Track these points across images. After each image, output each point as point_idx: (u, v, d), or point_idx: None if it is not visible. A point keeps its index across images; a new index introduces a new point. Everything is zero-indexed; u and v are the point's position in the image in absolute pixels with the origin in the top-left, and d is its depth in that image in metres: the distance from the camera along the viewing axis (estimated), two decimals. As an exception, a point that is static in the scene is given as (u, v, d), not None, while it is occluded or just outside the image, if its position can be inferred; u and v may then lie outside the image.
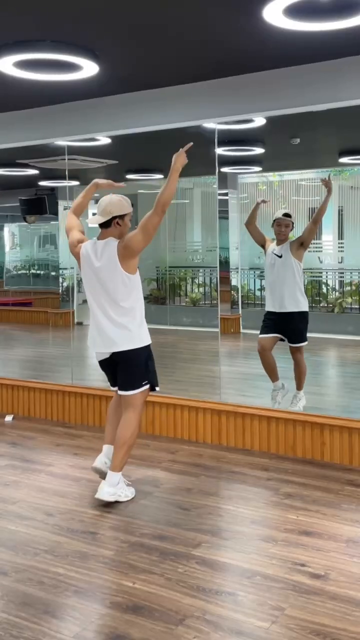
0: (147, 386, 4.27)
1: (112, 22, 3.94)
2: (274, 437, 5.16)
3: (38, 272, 11.00)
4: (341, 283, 9.15)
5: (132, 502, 4.21)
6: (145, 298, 4.48)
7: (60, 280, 9.77)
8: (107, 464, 4.28)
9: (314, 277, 8.89)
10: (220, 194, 6.33)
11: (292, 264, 5.70)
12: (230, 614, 2.92)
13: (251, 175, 8.54)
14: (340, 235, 9.35)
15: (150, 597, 3.06)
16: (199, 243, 10.17)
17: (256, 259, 7.57)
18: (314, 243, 9.04)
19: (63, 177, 6.49)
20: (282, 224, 5.74)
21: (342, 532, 3.74)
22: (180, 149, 4.11)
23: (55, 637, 2.77)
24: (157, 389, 4.36)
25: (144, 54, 4.61)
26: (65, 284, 9.49)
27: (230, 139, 5.86)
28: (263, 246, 5.94)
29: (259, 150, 6.71)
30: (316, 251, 8.93)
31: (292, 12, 3.71)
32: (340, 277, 9.18)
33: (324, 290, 9.09)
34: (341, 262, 9.22)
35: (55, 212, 9.03)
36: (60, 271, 9.77)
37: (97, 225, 4.28)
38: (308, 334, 5.80)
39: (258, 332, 5.89)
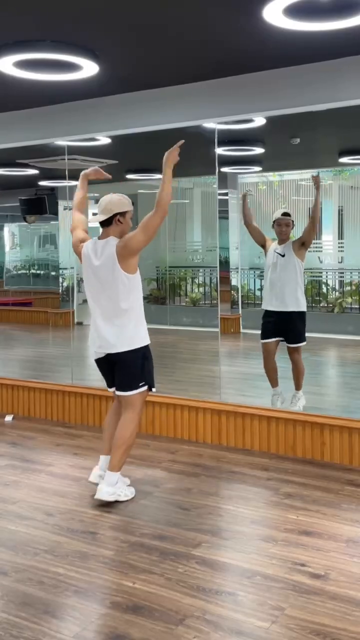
0: (145, 387, 4.26)
1: (112, 22, 3.94)
2: (274, 437, 5.16)
3: (38, 272, 11.00)
4: (341, 283, 9.15)
5: (132, 502, 4.21)
6: (145, 298, 4.48)
7: (60, 280, 9.77)
8: (102, 477, 4.27)
9: (314, 277, 8.89)
10: (220, 194, 6.32)
11: (295, 263, 5.70)
12: (230, 614, 2.92)
13: (251, 175, 8.54)
14: (340, 235, 9.35)
15: (150, 597, 3.06)
16: (199, 243, 10.17)
17: (256, 258, 7.56)
18: (314, 243, 9.04)
19: (63, 177, 6.49)
20: (282, 224, 5.75)
21: (342, 532, 3.74)
22: (170, 149, 4.11)
23: (55, 637, 2.77)
24: (153, 390, 4.35)
25: (144, 54, 4.61)
26: (65, 284, 9.49)
27: (230, 139, 5.86)
28: (263, 246, 5.93)
29: (259, 150, 6.71)
30: (316, 251, 8.93)
31: (292, 12, 3.71)
32: (340, 277, 9.18)
33: (324, 290, 9.09)
34: (341, 262, 9.22)
35: (55, 212, 9.03)
36: (60, 271, 9.77)
37: (98, 225, 4.29)
38: (308, 334, 5.81)
39: (258, 331, 5.89)
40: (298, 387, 5.72)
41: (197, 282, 10.17)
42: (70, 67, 4.62)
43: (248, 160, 7.18)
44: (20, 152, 6.83)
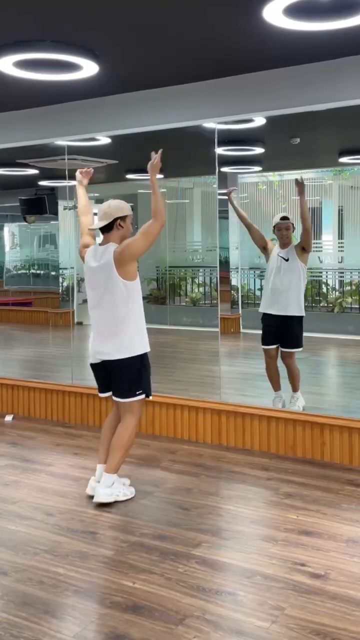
0: (142, 395, 4.26)
1: (112, 22, 3.94)
2: (274, 437, 5.16)
3: (38, 272, 11.00)
4: (341, 283, 9.15)
5: (132, 502, 4.21)
6: (145, 298, 4.49)
7: (60, 280, 9.76)
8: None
9: (314, 277, 8.89)
10: (220, 194, 6.32)
11: (299, 267, 5.69)
12: (230, 613, 2.92)
13: (251, 175, 8.54)
14: (340, 235, 9.35)
15: (150, 597, 3.06)
16: (199, 243, 10.16)
17: (256, 258, 7.55)
18: (314, 243, 9.04)
19: (63, 177, 6.49)
20: (282, 228, 5.74)
21: (342, 532, 3.74)
22: (151, 160, 4.13)
23: (55, 637, 2.77)
24: (149, 397, 4.34)
25: (144, 54, 4.61)
26: (65, 284, 9.49)
27: (230, 138, 5.86)
28: (264, 248, 5.90)
29: (259, 150, 6.71)
30: (316, 251, 8.93)
31: (292, 12, 3.71)
32: (340, 276, 9.18)
33: (324, 290, 9.09)
34: (341, 262, 9.22)
35: (55, 212, 9.02)
36: (60, 271, 9.77)
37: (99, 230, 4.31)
38: (308, 334, 5.80)
39: (258, 331, 5.88)
40: (295, 389, 5.72)
41: (197, 282, 10.17)
42: (70, 67, 4.62)
43: (248, 160, 7.18)
44: (20, 152, 6.83)
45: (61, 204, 8.80)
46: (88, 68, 4.64)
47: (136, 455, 4.93)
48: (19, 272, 11.13)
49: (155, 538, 3.68)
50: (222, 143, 5.56)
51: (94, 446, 5.23)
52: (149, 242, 4.10)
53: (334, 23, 3.91)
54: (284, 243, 5.75)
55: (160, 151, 4.17)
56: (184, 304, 9.90)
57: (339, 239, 9.33)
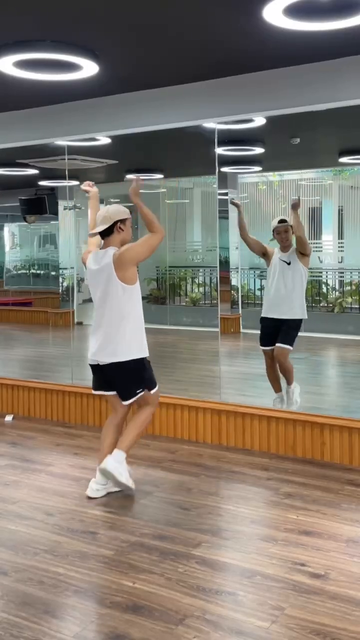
0: (142, 393, 4.33)
1: (112, 22, 3.94)
2: (274, 437, 5.16)
3: (38, 272, 11.01)
4: (341, 283, 9.15)
5: (132, 502, 4.21)
6: (145, 298, 4.52)
7: (60, 280, 9.77)
8: (100, 491, 4.28)
9: (314, 277, 8.90)
10: (220, 194, 6.32)
11: (301, 270, 5.68)
12: (230, 613, 2.92)
13: (251, 175, 8.54)
14: (340, 235, 9.36)
15: (150, 596, 3.06)
16: (199, 243, 10.17)
17: (256, 259, 7.55)
18: (314, 243, 9.05)
19: (63, 177, 6.49)
20: (281, 231, 5.72)
21: (342, 531, 3.74)
22: (132, 186, 4.21)
23: (55, 637, 2.77)
24: (157, 387, 4.42)
25: (144, 54, 4.61)
26: (65, 284, 9.50)
27: (230, 138, 5.86)
28: (264, 254, 5.88)
29: (259, 150, 6.71)
30: (316, 251, 8.93)
31: (292, 12, 3.71)
32: (340, 276, 9.18)
33: (324, 290, 9.10)
34: (341, 262, 9.22)
35: (55, 212, 9.03)
36: (60, 271, 9.78)
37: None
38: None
39: (258, 332, 5.88)
40: (289, 382, 5.70)
41: (197, 282, 10.17)
42: (70, 67, 4.62)
43: (248, 160, 7.19)
44: (20, 152, 6.83)
45: (61, 204, 8.80)
46: (88, 68, 4.64)
47: (136, 455, 4.93)
48: (19, 272, 11.14)
49: (155, 538, 3.68)
50: (222, 143, 5.56)
51: (94, 446, 5.23)
52: (149, 250, 4.22)
53: (334, 23, 3.91)
54: (285, 246, 5.74)
55: (139, 177, 4.32)
56: (184, 304, 9.90)
57: (339, 239, 9.33)
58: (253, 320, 6.63)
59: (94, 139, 6.26)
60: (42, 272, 10.96)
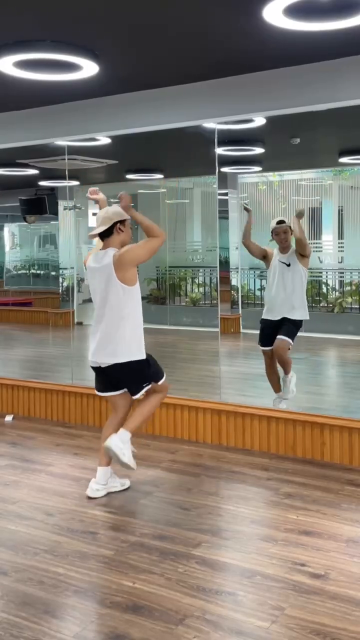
0: (149, 386, 4.33)
1: (112, 22, 3.94)
2: (274, 437, 5.16)
3: (38, 272, 11.01)
4: (341, 283, 9.16)
5: (132, 502, 4.21)
6: (145, 298, 4.52)
7: (60, 280, 9.77)
8: (100, 491, 4.28)
9: (314, 277, 8.90)
10: (220, 194, 6.33)
11: (300, 271, 5.66)
12: (230, 613, 2.92)
13: (251, 175, 8.54)
14: (340, 235, 9.37)
15: (150, 597, 3.06)
16: (199, 243, 10.17)
17: (256, 259, 7.58)
18: (314, 243, 9.05)
19: (63, 177, 6.49)
20: (280, 232, 5.70)
21: (342, 532, 3.74)
22: (120, 205, 4.28)
23: (55, 637, 2.77)
24: (164, 377, 4.44)
25: (144, 54, 4.61)
26: (65, 284, 9.50)
27: (230, 139, 5.86)
28: (265, 258, 5.86)
29: (259, 150, 6.71)
30: (316, 251, 8.94)
31: (292, 12, 3.71)
32: (340, 276, 9.19)
33: (324, 290, 9.10)
34: (341, 262, 9.23)
35: (55, 212, 9.03)
36: (60, 271, 9.78)
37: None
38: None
39: (258, 331, 5.88)
40: (286, 372, 5.68)
41: (197, 282, 10.17)
42: (70, 67, 4.62)
43: (248, 160, 7.19)
44: (20, 152, 6.83)
45: (61, 204, 8.81)
46: (88, 68, 4.64)
47: (136, 455, 4.93)
48: (19, 272, 11.15)
49: (155, 538, 3.68)
50: (222, 143, 5.56)
51: (94, 446, 5.23)
52: (150, 253, 4.25)
53: (334, 23, 3.91)
54: (284, 247, 5.72)
55: (125, 193, 4.36)
56: (184, 304, 9.91)
57: (339, 239, 9.34)
58: (253, 320, 6.64)
59: (94, 139, 6.26)
60: (42, 272, 10.96)
